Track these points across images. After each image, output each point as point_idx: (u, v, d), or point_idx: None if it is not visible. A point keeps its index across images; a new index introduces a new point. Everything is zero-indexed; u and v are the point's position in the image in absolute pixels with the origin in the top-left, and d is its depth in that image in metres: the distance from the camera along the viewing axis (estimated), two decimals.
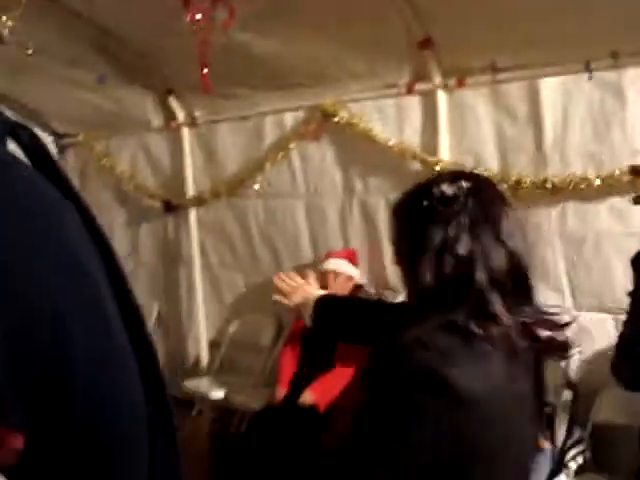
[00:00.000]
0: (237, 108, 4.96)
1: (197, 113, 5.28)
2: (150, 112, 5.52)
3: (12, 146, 0.59)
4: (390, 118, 4.24)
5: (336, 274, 4.36)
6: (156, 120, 5.54)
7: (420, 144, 4.13)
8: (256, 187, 4.93)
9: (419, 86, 4.10)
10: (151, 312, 5.67)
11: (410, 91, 4.15)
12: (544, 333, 1.42)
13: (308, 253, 4.81)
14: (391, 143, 4.17)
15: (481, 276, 1.36)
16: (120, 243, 6.13)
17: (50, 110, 6.09)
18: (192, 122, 5.34)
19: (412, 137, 4.16)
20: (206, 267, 5.50)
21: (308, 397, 4.11)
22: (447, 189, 1.44)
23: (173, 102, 5.31)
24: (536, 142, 3.74)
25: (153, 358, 0.58)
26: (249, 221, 5.12)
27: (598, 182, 3.48)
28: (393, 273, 4.37)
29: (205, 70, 3.29)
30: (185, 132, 5.41)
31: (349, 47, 4.06)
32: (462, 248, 1.39)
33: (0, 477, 0.49)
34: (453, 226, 1.40)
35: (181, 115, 5.36)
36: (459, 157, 3.97)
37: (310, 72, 4.36)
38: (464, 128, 3.98)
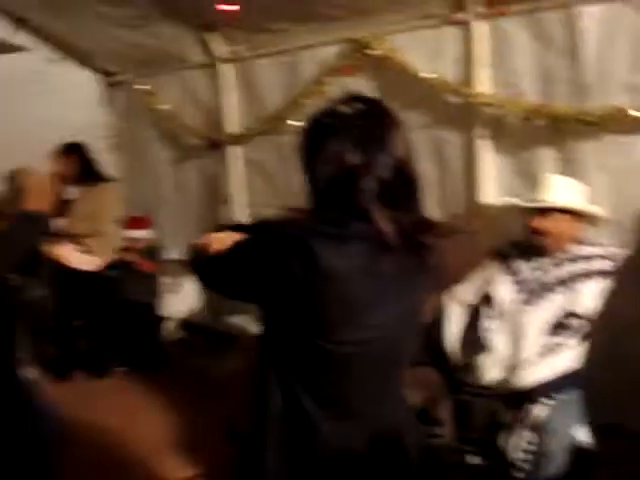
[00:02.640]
0: (275, 43, 4.91)
1: (237, 48, 5.23)
2: (191, 49, 5.49)
3: None
4: (427, 50, 4.13)
5: None
6: (197, 57, 5.52)
7: (458, 77, 4.03)
8: (295, 123, 4.89)
9: (457, 16, 3.98)
10: None
11: (448, 22, 4.04)
12: (422, 238, 1.72)
13: None
14: (429, 76, 4.08)
15: (367, 184, 1.63)
16: (166, 181, 6.20)
17: (96, 48, 6.11)
18: (232, 58, 5.30)
19: (450, 69, 4.06)
20: (248, 203, 5.52)
21: None
22: (345, 109, 1.70)
23: (213, 38, 5.27)
24: (576, 74, 3.61)
25: None
26: (288, 157, 5.10)
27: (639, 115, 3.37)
28: (432, 209, 4.30)
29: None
30: (225, 68, 5.37)
31: None
32: (352, 159, 1.64)
33: None
34: (346, 140, 1.65)
35: (221, 51, 5.32)
36: (497, 89, 3.87)
37: (347, 5, 4.27)
38: (503, 60, 3.86)
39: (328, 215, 1.66)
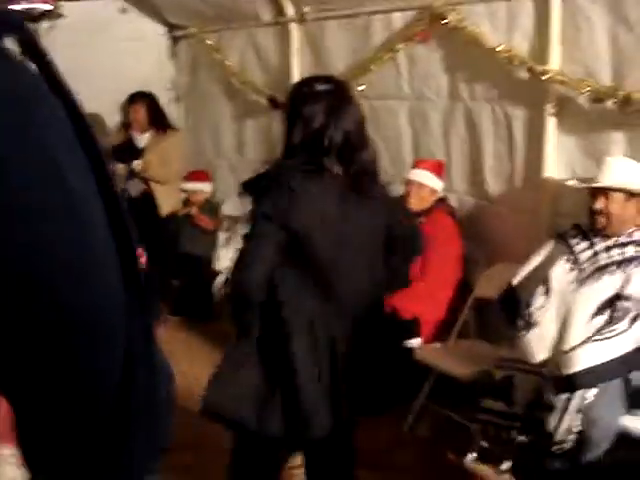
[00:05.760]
0: (346, 6, 4.88)
1: (306, 9, 5.22)
2: (260, 7, 5.50)
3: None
4: (500, 22, 4.07)
5: (420, 185, 4.33)
6: (266, 15, 5.52)
7: (530, 51, 3.97)
8: (361, 88, 4.88)
9: None
10: None
11: None
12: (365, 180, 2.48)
13: (409, 157, 4.76)
14: (500, 49, 4.02)
15: (327, 142, 2.37)
16: (226, 137, 6.24)
17: (163, 1, 6.14)
18: (301, 18, 5.29)
19: (522, 43, 4.00)
20: None
21: None
22: (319, 86, 2.43)
23: None
24: None
25: (135, 265, 0.59)
26: None
27: None
28: (494, 184, 4.30)
29: None
30: (293, 28, 5.37)
31: None
32: (318, 123, 2.39)
33: None
34: (316, 109, 2.39)
35: (290, 10, 5.31)
36: (569, 67, 3.79)
37: None
38: (577, 37, 3.78)
39: (299, 159, 2.41)
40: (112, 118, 5.85)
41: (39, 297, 0.51)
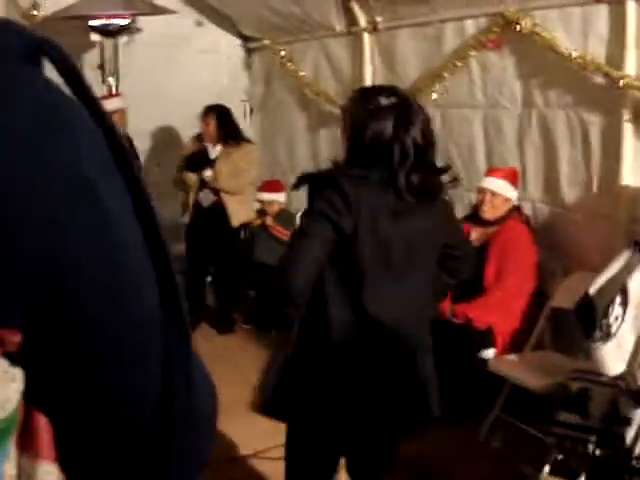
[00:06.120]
0: (418, 14, 4.88)
1: (378, 19, 5.23)
2: (333, 17, 5.53)
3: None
4: (575, 28, 4.01)
5: (493, 194, 4.28)
6: (338, 25, 5.56)
7: (605, 57, 3.89)
8: (434, 96, 4.87)
9: None
10: None
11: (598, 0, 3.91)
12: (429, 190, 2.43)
13: (482, 165, 4.72)
14: (575, 55, 3.95)
15: (396, 156, 2.34)
16: (300, 147, 6.30)
17: (237, 13, 6.25)
18: (373, 27, 5.30)
19: (597, 49, 3.92)
20: None
21: None
22: (384, 100, 2.38)
23: (355, 7, 5.28)
24: None
25: (171, 269, 0.61)
26: None
27: None
28: (569, 192, 4.23)
29: None
30: (366, 38, 5.39)
31: None
32: (386, 137, 2.34)
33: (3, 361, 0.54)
34: (383, 123, 2.35)
35: (363, 20, 5.33)
36: None
37: None
38: None
39: (362, 169, 2.39)
40: (190, 131, 5.97)
41: (65, 313, 0.53)
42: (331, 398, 2.41)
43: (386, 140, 2.35)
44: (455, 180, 2.58)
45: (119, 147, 0.58)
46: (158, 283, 0.58)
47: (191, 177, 5.80)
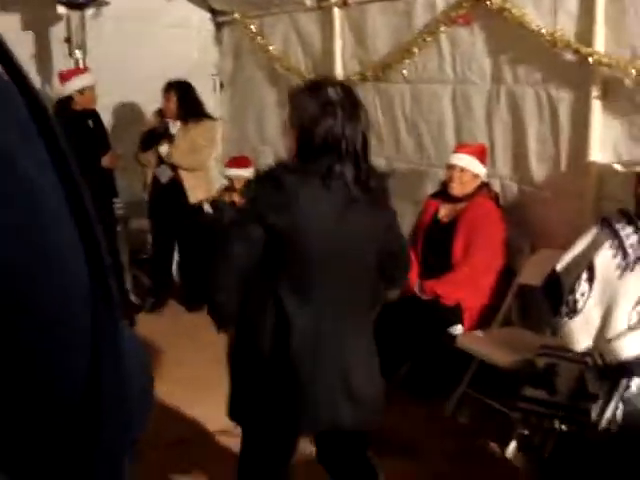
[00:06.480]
0: None
1: None
2: None
3: None
4: (545, 4, 3.99)
5: (462, 170, 4.28)
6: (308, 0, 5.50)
7: (575, 33, 3.89)
8: (404, 72, 4.85)
9: None
10: None
11: None
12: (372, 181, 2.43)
13: (451, 141, 4.71)
14: (544, 31, 3.94)
15: (343, 148, 2.35)
16: (270, 123, 6.25)
17: None
18: (343, 2, 5.25)
19: (567, 26, 3.91)
20: None
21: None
22: (333, 95, 2.37)
23: None
24: None
25: (100, 251, 0.59)
26: (395, 106, 5.07)
27: None
28: (538, 168, 4.24)
29: None
30: (336, 12, 5.34)
31: None
32: (334, 130, 2.34)
33: None
34: (333, 118, 2.34)
35: None
36: (615, 50, 3.71)
37: None
38: (622, 18, 3.69)
39: (309, 164, 2.38)
40: (157, 106, 5.89)
41: None
42: (263, 401, 2.50)
43: (336, 135, 2.34)
44: (392, 171, 2.72)
45: (43, 117, 0.55)
46: (85, 256, 0.57)
47: (144, 155, 5.74)
